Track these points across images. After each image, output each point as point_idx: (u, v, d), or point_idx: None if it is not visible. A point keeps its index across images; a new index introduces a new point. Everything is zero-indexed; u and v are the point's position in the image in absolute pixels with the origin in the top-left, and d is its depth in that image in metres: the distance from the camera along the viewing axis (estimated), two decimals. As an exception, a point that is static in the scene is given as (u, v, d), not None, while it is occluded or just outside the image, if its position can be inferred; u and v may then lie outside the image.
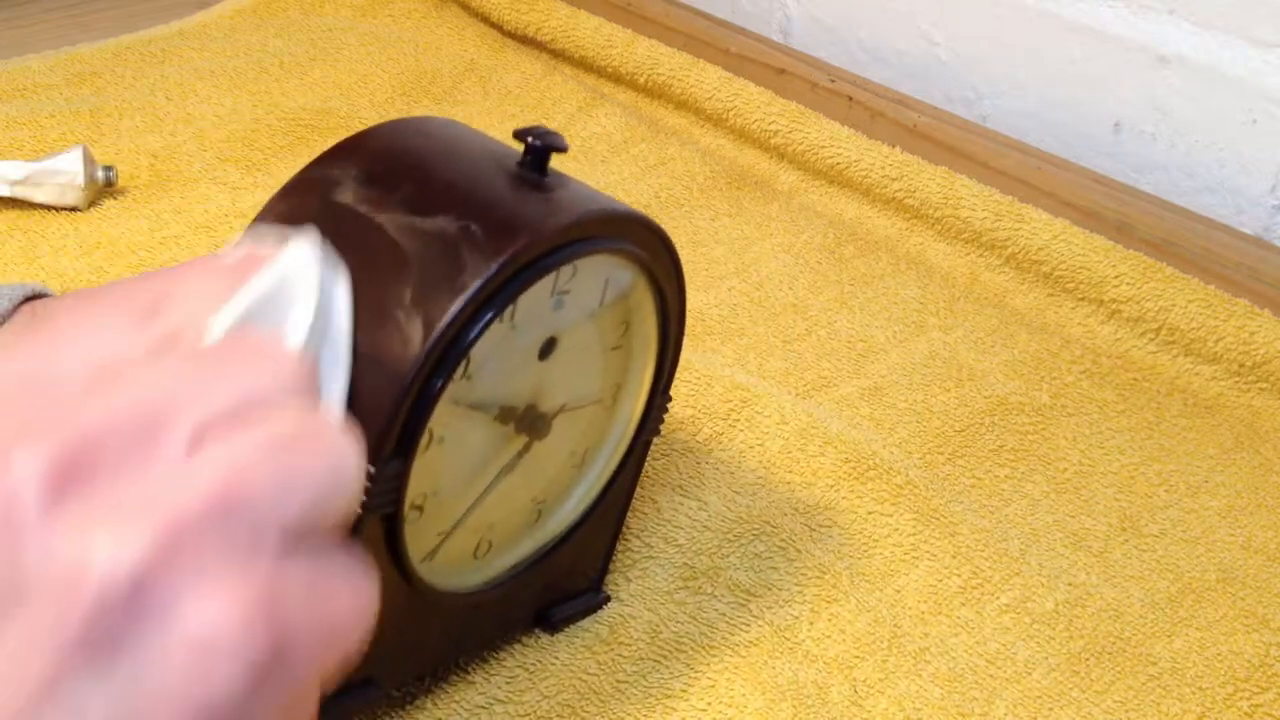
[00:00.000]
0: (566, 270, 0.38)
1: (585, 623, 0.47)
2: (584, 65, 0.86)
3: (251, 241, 0.32)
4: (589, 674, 0.45)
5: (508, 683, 0.44)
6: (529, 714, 0.43)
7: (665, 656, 0.46)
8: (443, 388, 0.35)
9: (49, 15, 0.88)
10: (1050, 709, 0.46)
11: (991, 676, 0.47)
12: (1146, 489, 0.57)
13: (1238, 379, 0.64)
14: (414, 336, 0.35)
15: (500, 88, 0.82)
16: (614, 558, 0.48)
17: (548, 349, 0.40)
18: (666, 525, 0.51)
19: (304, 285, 0.32)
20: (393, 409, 0.35)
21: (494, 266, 0.35)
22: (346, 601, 0.27)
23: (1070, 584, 0.51)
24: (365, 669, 0.40)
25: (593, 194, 0.40)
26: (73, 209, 0.66)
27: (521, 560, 0.44)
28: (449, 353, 0.35)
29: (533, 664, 0.45)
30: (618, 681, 0.45)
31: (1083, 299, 0.68)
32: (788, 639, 0.47)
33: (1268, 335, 0.63)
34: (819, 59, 0.83)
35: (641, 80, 0.83)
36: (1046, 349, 0.65)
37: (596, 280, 0.40)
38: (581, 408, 0.43)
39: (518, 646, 0.45)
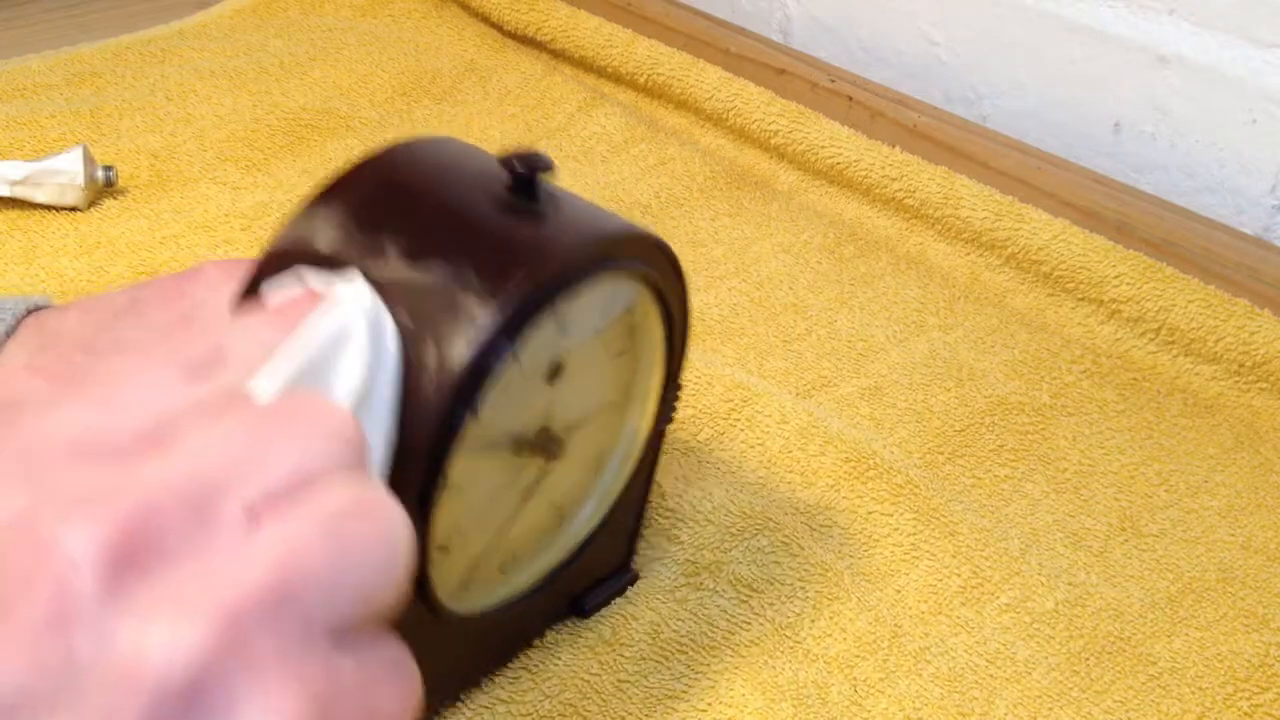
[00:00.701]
0: (567, 302, 0.37)
1: (587, 622, 0.47)
2: (584, 65, 0.86)
3: (298, 282, 0.31)
4: (591, 673, 0.45)
5: (511, 682, 0.44)
6: (531, 713, 0.43)
7: (666, 656, 0.46)
8: (456, 442, 0.35)
9: (49, 15, 0.88)
10: (1050, 708, 0.46)
11: (991, 676, 0.47)
12: (1146, 489, 0.57)
13: (1238, 379, 0.64)
14: (426, 403, 0.34)
15: (500, 88, 0.82)
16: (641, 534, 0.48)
17: (555, 373, 0.39)
18: (668, 524, 0.51)
19: (355, 335, 0.31)
20: (410, 472, 0.34)
21: (495, 317, 0.34)
22: (394, 698, 0.26)
23: (1070, 583, 0.51)
24: None
25: (586, 214, 0.39)
26: (73, 209, 0.66)
27: (548, 568, 0.43)
28: (458, 408, 0.34)
29: (535, 664, 0.45)
30: (619, 681, 0.45)
31: (1083, 299, 0.68)
32: (788, 638, 0.47)
33: (1268, 335, 0.63)
34: (819, 59, 0.83)
35: (641, 80, 0.83)
36: (1046, 349, 0.65)
37: (599, 301, 0.39)
38: (593, 416, 0.42)
39: (518, 646, 0.46)
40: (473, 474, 0.37)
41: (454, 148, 0.40)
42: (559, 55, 0.87)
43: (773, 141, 0.78)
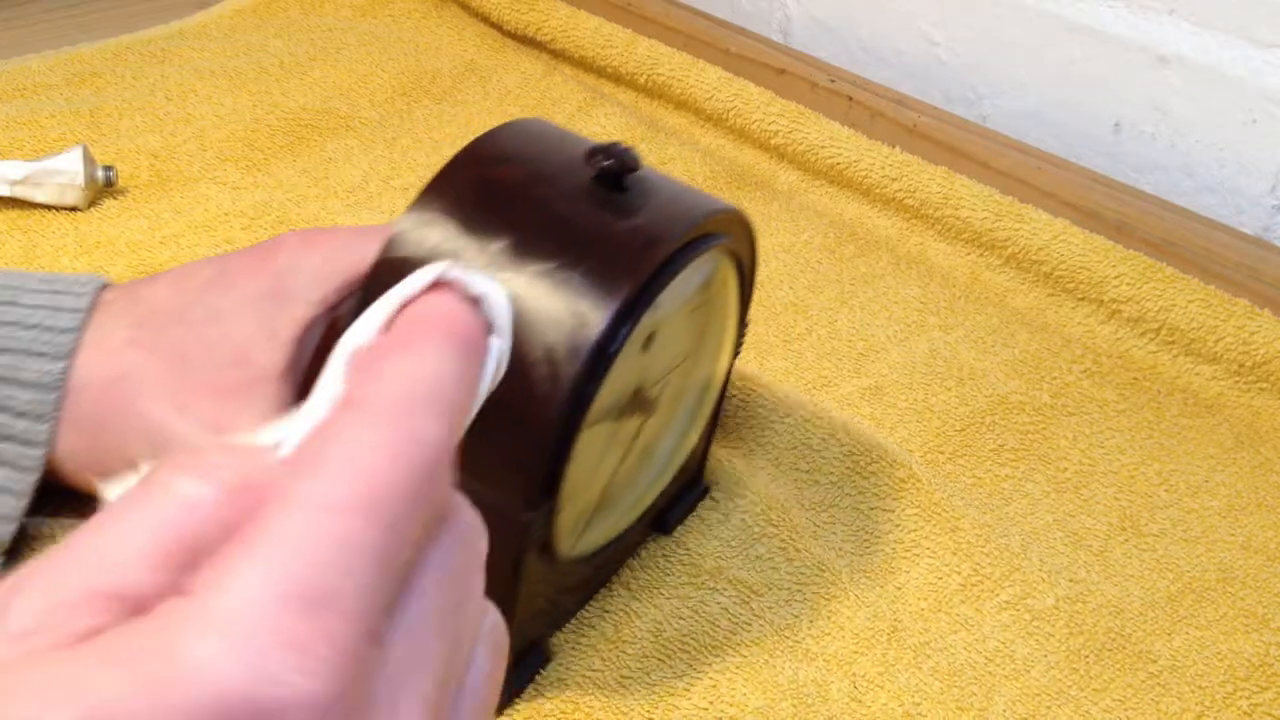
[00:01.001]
0: (664, 287, 0.39)
1: (590, 620, 0.47)
2: (584, 65, 0.86)
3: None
4: (593, 670, 0.45)
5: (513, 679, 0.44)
6: (534, 711, 0.43)
7: (668, 655, 0.46)
8: (577, 431, 0.37)
9: (49, 15, 0.88)
10: (1049, 706, 0.46)
11: (990, 674, 0.47)
12: (1146, 488, 0.57)
13: (1238, 379, 0.64)
14: (551, 394, 0.37)
15: (500, 88, 0.82)
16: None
17: (648, 343, 0.42)
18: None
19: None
20: (542, 462, 0.37)
21: (607, 320, 0.37)
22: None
23: (1071, 580, 0.51)
24: (528, 637, 0.43)
25: (674, 197, 0.41)
26: (73, 209, 0.66)
27: (644, 504, 0.47)
28: (581, 399, 0.37)
29: (538, 661, 0.45)
30: (621, 678, 0.45)
31: (1083, 299, 0.68)
32: (788, 636, 0.47)
33: (1268, 335, 0.63)
34: (819, 59, 0.83)
35: (641, 80, 0.83)
36: (1047, 348, 0.65)
37: (690, 276, 0.42)
38: (676, 366, 0.45)
39: (519, 645, 0.46)
40: (586, 445, 0.40)
41: (539, 131, 0.43)
42: (559, 55, 0.87)
43: (773, 141, 0.78)
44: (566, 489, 0.39)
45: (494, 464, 0.37)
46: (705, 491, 0.53)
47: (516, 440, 0.37)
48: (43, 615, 0.20)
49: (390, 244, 0.39)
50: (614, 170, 0.39)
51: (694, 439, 0.49)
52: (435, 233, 0.39)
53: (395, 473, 0.21)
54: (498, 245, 0.38)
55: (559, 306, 0.37)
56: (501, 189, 0.40)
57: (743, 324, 0.48)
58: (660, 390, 0.44)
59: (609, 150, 0.40)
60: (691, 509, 0.52)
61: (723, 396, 0.50)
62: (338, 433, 0.21)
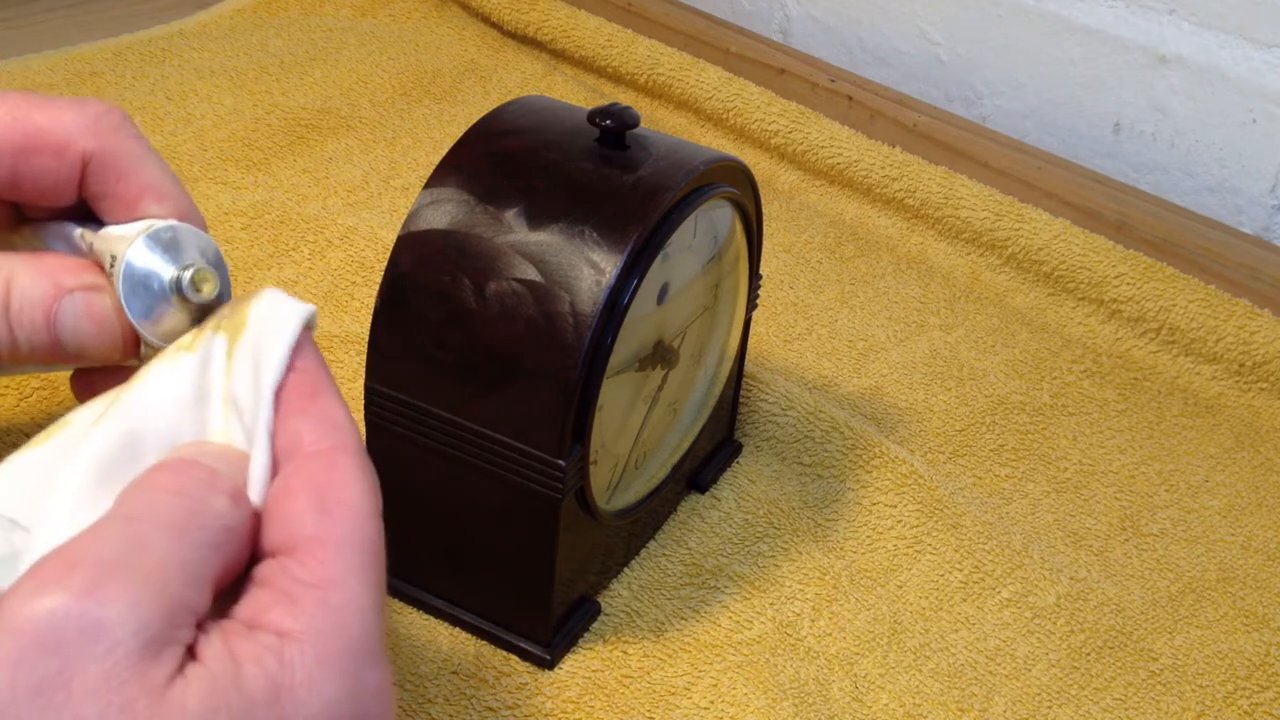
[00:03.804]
0: (670, 234, 0.42)
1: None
2: (584, 65, 0.86)
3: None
4: (594, 670, 0.45)
5: (514, 678, 0.44)
6: (535, 712, 0.43)
7: (670, 655, 0.46)
8: (601, 377, 0.40)
9: (49, 15, 0.88)
10: (1050, 705, 0.46)
11: (991, 673, 0.47)
12: (1146, 488, 0.57)
13: (1238, 379, 0.64)
14: (570, 347, 0.40)
15: (500, 88, 0.82)
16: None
17: (662, 294, 0.44)
18: (671, 521, 0.51)
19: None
20: (568, 412, 0.40)
21: (618, 265, 0.40)
22: None
23: (1072, 578, 0.51)
24: (579, 590, 0.46)
25: (673, 151, 0.44)
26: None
27: (675, 459, 0.49)
28: (599, 351, 0.40)
29: (539, 659, 0.45)
30: (621, 677, 0.45)
31: (1083, 299, 0.68)
32: (789, 635, 0.47)
33: (1268, 335, 0.63)
34: (819, 59, 0.83)
35: (641, 80, 0.83)
36: (1047, 349, 0.65)
37: (694, 224, 0.44)
38: (694, 320, 0.48)
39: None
40: (612, 396, 0.43)
41: (542, 105, 0.46)
42: (559, 55, 0.87)
43: (773, 141, 0.78)
44: (597, 440, 0.42)
45: (527, 417, 0.40)
46: (738, 449, 0.54)
47: (546, 391, 0.40)
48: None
49: (412, 218, 0.42)
50: (615, 129, 0.42)
51: (718, 391, 0.51)
52: (453, 205, 0.42)
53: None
54: (512, 211, 0.41)
55: (575, 260, 0.40)
56: (511, 158, 0.43)
57: (755, 274, 0.50)
58: (680, 342, 0.47)
59: (608, 111, 0.43)
60: (725, 467, 0.53)
61: (743, 350, 0.52)
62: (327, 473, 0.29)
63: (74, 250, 0.37)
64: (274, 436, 0.29)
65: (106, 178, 0.35)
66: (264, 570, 0.28)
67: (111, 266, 0.34)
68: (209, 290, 0.34)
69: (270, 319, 0.31)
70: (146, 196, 0.35)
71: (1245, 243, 0.68)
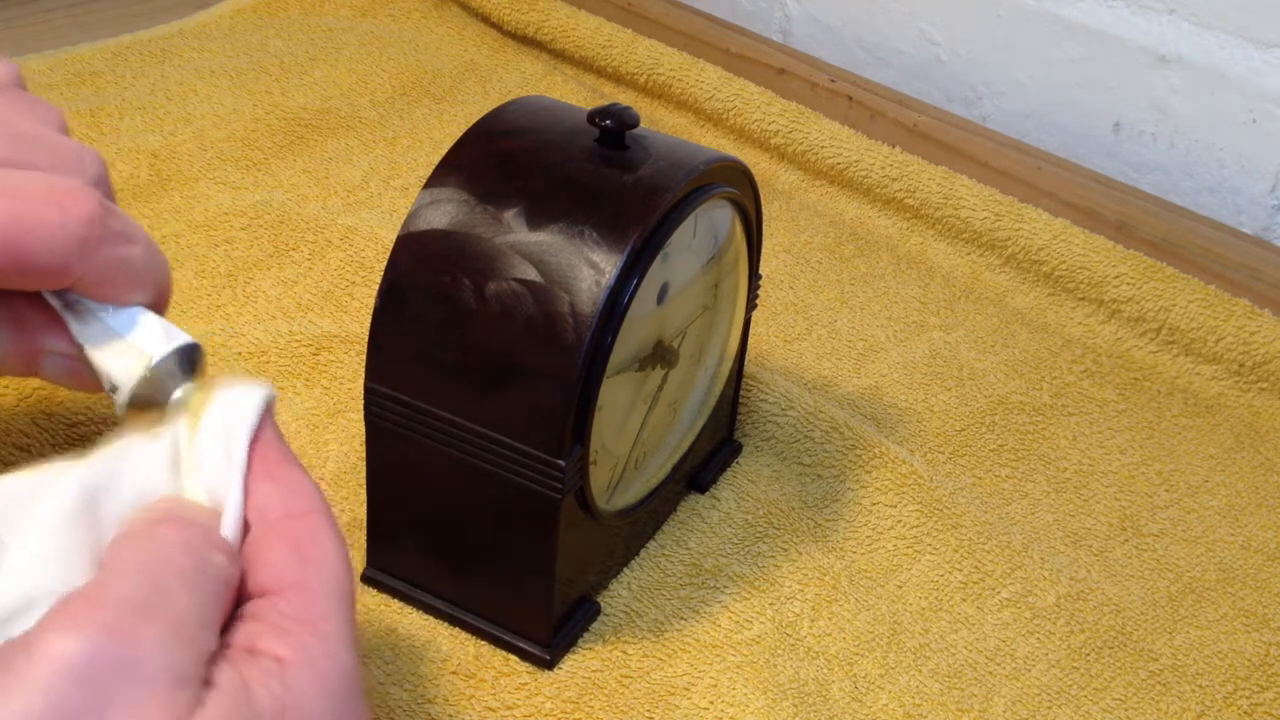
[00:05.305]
0: (670, 234, 0.42)
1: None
2: (584, 65, 0.86)
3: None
4: (594, 670, 0.45)
5: (515, 678, 0.44)
6: (535, 711, 0.43)
7: (670, 655, 0.46)
8: (601, 377, 0.40)
9: (49, 15, 0.88)
10: (1049, 705, 0.46)
11: (991, 673, 0.47)
12: (1146, 488, 0.57)
13: (1238, 379, 0.64)
14: (570, 347, 0.39)
15: (500, 88, 0.82)
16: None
17: (662, 295, 0.44)
18: (671, 522, 0.51)
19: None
20: (567, 412, 0.40)
21: (617, 265, 0.40)
22: None
23: (1072, 578, 0.51)
24: (579, 590, 0.46)
25: (672, 151, 0.44)
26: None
27: (674, 459, 0.49)
28: (599, 351, 0.40)
29: (539, 659, 0.45)
30: (621, 677, 0.45)
31: (1083, 299, 0.68)
32: (789, 635, 0.47)
33: (1268, 335, 0.63)
34: (819, 59, 0.83)
35: (641, 80, 0.83)
36: (1047, 349, 0.65)
37: (694, 224, 0.45)
38: (694, 320, 0.48)
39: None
40: (611, 396, 0.43)
41: (542, 105, 0.46)
42: (559, 55, 0.87)
43: (773, 141, 0.78)
44: (597, 440, 0.42)
45: (527, 417, 0.40)
46: (738, 449, 0.55)
47: (546, 391, 0.40)
48: None
49: (412, 218, 0.42)
50: (614, 129, 0.42)
51: (718, 392, 0.51)
52: (453, 205, 0.42)
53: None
54: (512, 211, 0.41)
55: (575, 261, 0.40)
56: (511, 158, 0.43)
57: (754, 275, 0.51)
58: (680, 342, 0.47)
59: (608, 111, 0.43)
60: (725, 467, 0.54)
61: (743, 350, 0.52)
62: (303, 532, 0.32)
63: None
64: (246, 497, 0.32)
65: (91, 288, 0.35)
66: (252, 607, 0.30)
67: (112, 392, 0.35)
68: (195, 403, 0.35)
69: (235, 398, 0.33)
70: (130, 295, 0.36)
71: (1245, 243, 0.68)
